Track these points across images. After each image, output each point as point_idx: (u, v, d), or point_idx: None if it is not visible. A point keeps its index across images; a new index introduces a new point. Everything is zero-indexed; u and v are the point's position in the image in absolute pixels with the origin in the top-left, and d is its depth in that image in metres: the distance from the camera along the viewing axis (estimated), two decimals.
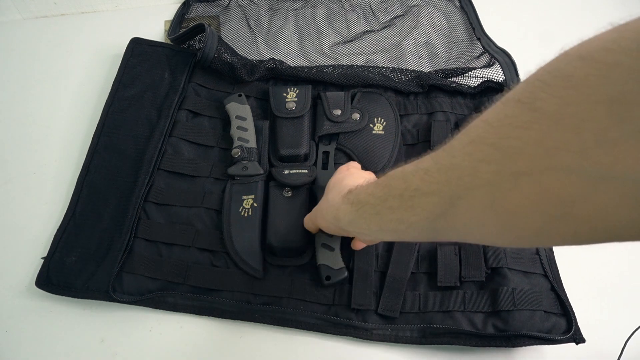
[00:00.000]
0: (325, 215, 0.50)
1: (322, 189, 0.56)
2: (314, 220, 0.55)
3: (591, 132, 0.22)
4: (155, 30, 0.78)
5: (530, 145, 0.26)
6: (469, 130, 0.31)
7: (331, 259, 0.57)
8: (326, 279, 0.56)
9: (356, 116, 0.67)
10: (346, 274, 0.57)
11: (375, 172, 0.63)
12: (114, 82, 0.72)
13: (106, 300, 0.56)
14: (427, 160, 0.35)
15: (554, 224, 0.27)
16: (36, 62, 0.79)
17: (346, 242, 0.59)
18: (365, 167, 0.63)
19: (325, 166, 0.65)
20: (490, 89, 0.72)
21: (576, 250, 0.59)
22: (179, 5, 0.84)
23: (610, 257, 0.61)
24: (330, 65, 0.76)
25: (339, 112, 0.67)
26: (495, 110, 0.29)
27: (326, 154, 0.65)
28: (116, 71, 0.73)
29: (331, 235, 0.57)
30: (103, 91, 0.74)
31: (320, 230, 0.56)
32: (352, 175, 0.53)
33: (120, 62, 0.74)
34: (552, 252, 0.59)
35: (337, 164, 0.64)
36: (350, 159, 0.65)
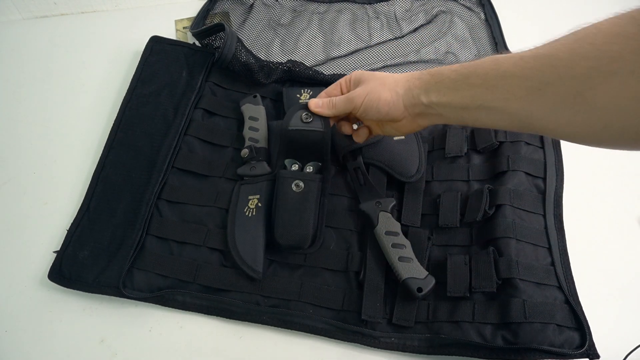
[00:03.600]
0: (388, 87, 0.51)
1: (367, 205, 0.59)
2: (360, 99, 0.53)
3: None
4: (156, 30, 0.78)
5: (628, 52, 0.32)
6: (577, 32, 0.36)
7: (414, 270, 0.55)
8: (418, 291, 0.54)
9: None
10: (434, 280, 0.55)
11: (411, 177, 0.63)
12: (132, 79, 0.73)
13: (116, 296, 0.56)
14: (521, 52, 0.40)
15: (623, 119, 0.34)
16: (36, 62, 0.80)
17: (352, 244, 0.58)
18: (399, 174, 0.63)
19: (361, 181, 0.63)
20: None
21: (587, 257, 0.59)
22: (178, 5, 0.84)
23: (621, 266, 0.60)
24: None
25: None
26: (609, 21, 0.34)
27: (357, 170, 0.64)
28: (116, 70, 0.75)
29: (402, 247, 0.56)
30: (106, 90, 0.75)
31: (391, 246, 0.56)
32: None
33: (119, 62, 0.75)
34: (569, 264, 0.58)
35: (373, 179, 0.63)
36: (382, 171, 0.64)
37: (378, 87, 0.52)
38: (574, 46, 0.36)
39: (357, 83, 0.55)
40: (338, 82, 0.58)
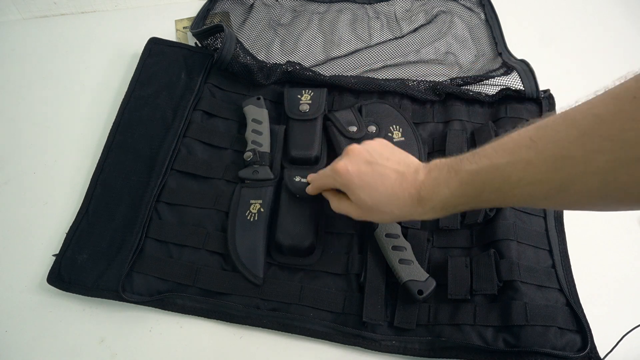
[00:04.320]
0: (387, 218, 0.49)
1: None
2: (359, 214, 0.51)
3: None
4: (156, 30, 0.78)
5: None
6: (575, 122, 0.35)
7: (414, 273, 0.55)
8: (418, 293, 0.54)
9: (372, 128, 0.67)
10: (435, 282, 0.55)
11: None
12: (131, 81, 0.72)
13: (116, 300, 0.56)
14: (522, 151, 0.38)
15: None
16: (36, 62, 0.79)
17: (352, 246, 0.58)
18: None
19: None
20: (509, 97, 0.71)
21: (588, 259, 0.59)
22: (178, 5, 0.84)
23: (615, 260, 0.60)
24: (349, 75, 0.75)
25: (354, 128, 0.66)
26: (607, 105, 0.33)
27: None
28: (116, 71, 0.74)
29: (403, 250, 0.56)
30: (105, 90, 0.75)
31: (392, 248, 0.56)
32: (395, 162, 0.49)
33: (119, 62, 0.75)
34: (570, 266, 0.58)
35: None
36: None
37: (367, 205, 0.49)
38: (585, 142, 0.34)
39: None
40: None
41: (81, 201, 0.63)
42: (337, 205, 0.53)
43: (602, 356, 0.52)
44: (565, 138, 0.35)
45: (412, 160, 0.50)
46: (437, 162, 0.46)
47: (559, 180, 0.36)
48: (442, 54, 0.80)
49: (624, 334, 0.53)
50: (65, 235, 0.60)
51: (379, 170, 0.48)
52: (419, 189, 0.45)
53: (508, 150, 0.39)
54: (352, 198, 0.50)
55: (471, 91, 0.72)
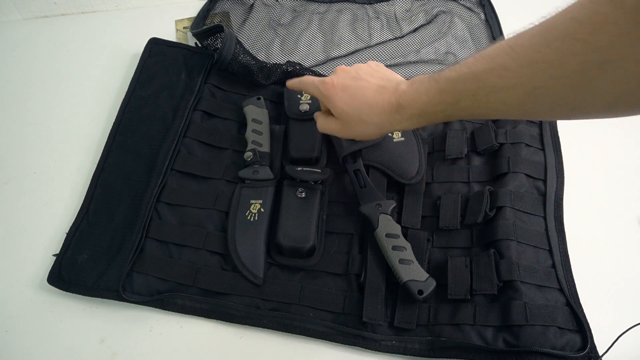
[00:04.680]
0: (368, 129, 0.52)
1: (367, 207, 0.58)
2: (346, 130, 0.54)
3: None
4: (156, 31, 0.78)
5: (618, 37, 0.31)
6: (553, 27, 0.36)
7: (414, 273, 0.55)
8: (418, 293, 0.54)
9: None
10: (435, 282, 0.55)
11: (411, 179, 0.63)
12: (131, 81, 0.72)
13: (116, 300, 0.56)
14: (500, 57, 0.39)
15: (628, 99, 0.34)
16: (36, 62, 0.79)
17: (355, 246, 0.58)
18: (400, 176, 0.63)
19: (361, 183, 0.62)
20: None
21: (588, 259, 0.59)
22: (178, 5, 0.84)
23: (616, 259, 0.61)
24: None
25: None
26: (584, 8, 0.34)
27: (357, 172, 0.63)
28: (116, 71, 0.75)
29: (403, 250, 0.56)
30: (105, 90, 0.75)
31: (392, 248, 0.56)
32: (378, 78, 0.52)
33: (119, 62, 0.75)
34: (570, 266, 0.58)
35: (373, 181, 0.63)
36: (382, 173, 0.64)
37: (352, 124, 0.53)
38: (559, 45, 0.35)
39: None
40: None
41: (81, 201, 0.63)
42: (323, 122, 0.57)
43: (600, 355, 0.52)
44: (541, 42, 0.36)
45: (396, 76, 0.53)
46: (420, 76, 0.48)
47: (532, 85, 0.37)
48: (442, 54, 0.80)
49: (622, 332, 0.53)
50: (65, 235, 0.60)
51: (362, 84, 0.52)
52: (398, 97, 0.48)
53: (487, 57, 0.41)
54: (335, 111, 0.53)
55: None
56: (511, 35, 0.40)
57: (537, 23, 0.38)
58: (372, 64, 0.55)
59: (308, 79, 0.58)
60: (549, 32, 0.36)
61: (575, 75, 0.35)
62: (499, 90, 0.40)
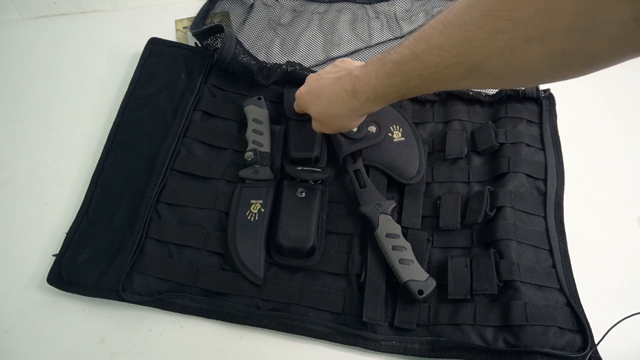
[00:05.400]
0: (340, 121, 0.55)
1: (368, 207, 0.59)
2: (321, 121, 0.58)
3: None
4: (156, 30, 0.78)
5: (538, 13, 0.32)
6: (477, 3, 0.36)
7: (414, 273, 0.55)
8: (418, 293, 0.54)
9: (372, 128, 0.66)
10: (435, 283, 0.55)
11: (411, 179, 0.63)
12: (131, 81, 0.72)
13: (116, 300, 0.56)
14: (435, 37, 0.40)
15: (556, 68, 0.36)
16: (36, 62, 0.79)
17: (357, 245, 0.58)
18: (400, 176, 0.63)
19: (361, 183, 0.62)
20: (509, 97, 0.71)
21: (588, 259, 0.59)
22: (178, 5, 0.84)
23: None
24: None
25: (354, 128, 0.65)
26: None
27: (357, 172, 0.63)
28: (116, 71, 0.74)
29: (403, 250, 0.56)
30: (105, 90, 0.75)
31: (392, 248, 0.56)
32: (337, 71, 0.55)
33: (119, 62, 0.75)
34: (570, 266, 0.58)
35: (374, 181, 0.63)
36: (382, 173, 0.64)
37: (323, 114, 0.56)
38: (484, 23, 0.36)
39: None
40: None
41: (81, 201, 0.63)
42: (313, 125, 0.60)
43: (598, 353, 0.52)
44: (469, 21, 0.37)
45: (355, 64, 0.55)
46: (373, 57, 0.49)
47: (469, 63, 0.39)
48: None
49: (614, 323, 0.53)
50: (65, 235, 0.60)
51: (322, 82, 0.55)
52: (353, 83, 0.50)
53: (425, 37, 0.41)
54: (311, 115, 0.58)
55: (471, 91, 0.72)
56: (445, 10, 0.41)
57: None
58: (338, 61, 0.58)
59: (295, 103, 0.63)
60: (474, 8, 0.36)
61: (505, 53, 0.36)
62: (442, 69, 0.41)
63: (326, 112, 0.55)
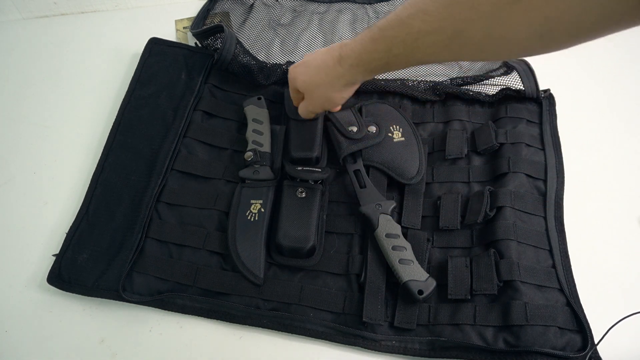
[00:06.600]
0: (325, 91, 0.56)
1: (368, 207, 0.59)
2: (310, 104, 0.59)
3: None
4: (156, 30, 0.78)
5: None
6: None
7: (414, 273, 0.55)
8: (418, 293, 0.54)
9: (372, 129, 0.66)
10: (435, 283, 0.55)
11: (411, 179, 0.63)
12: (131, 81, 0.72)
13: (116, 300, 0.56)
14: (421, 1, 0.40)
15: (538, 37, 0.36)
16: (36, 62, 0.80)
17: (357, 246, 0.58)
18: (400, 176, 0.63)
19: (361, 183, 0.62)
20: (509, 97, 0.71)
21: (588, 259, 0.59)
22: (178, 5, 0.84)
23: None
24: None
25: (354, 128, 0.65)
26: None
27: (357, 172, 0.64)
28: (116, 71, 0.75)
29: (403, 250, 0.56)
30: (105, 90, 0.75)
31: (392, 248, 0.56)
32: (330, 47, 0.55)
33: (119, 62, 0.75)
34: (570, 266, 0.58)
35: (374, 181, 0.63)
36: (382, 173, 0.64)
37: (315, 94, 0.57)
38: None
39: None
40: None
41: (81, 201, 0.63)
42: (300, 107, 0.61)
43: (597, 352, 0.52)
44: None
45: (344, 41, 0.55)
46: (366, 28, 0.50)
47: (452, 28, 0.39)
48: None
49: (615, 322, 0.53)
50: (65, 235, 0.60)
51: (315, 55, 0.56)
52: (340, 50, 0.51)
53: (412, 3, 0.42)
54: (299, 86, 0.58)
55: (471, 91, 0.72)
56: None
57: None
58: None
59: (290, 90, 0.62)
60: None
61: (488, 18, 0.36)
62: (424, 35, 0.41)
63: (312, 80, 0.55)
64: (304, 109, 0.61)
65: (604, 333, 0.52)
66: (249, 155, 0.64)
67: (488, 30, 0.37)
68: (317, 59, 0.54)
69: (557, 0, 0.32)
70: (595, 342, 0.52)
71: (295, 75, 0.58)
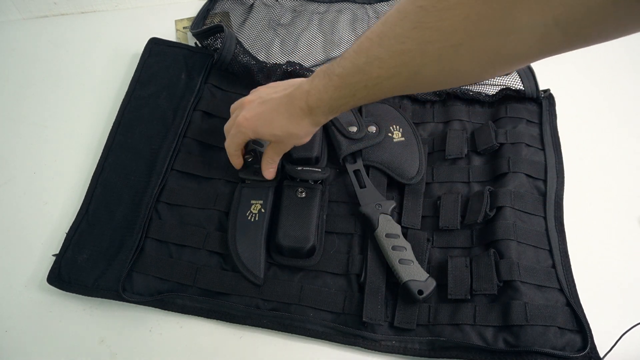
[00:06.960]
0: (301, 137, 0.55)
1: (367, 207, 0.59)
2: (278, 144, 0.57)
3: (499, 3, 0.33)
4: (156, 30, 0.78)
5: (461, 22, 0.35)
6: (406, 15, 0.38)
7: (415, 273, 0.55)
8: (418, 293, 0.54)
9: (372, 129, 0.66)
10: (435, 283, 0.55)
11: (411, 179, 0.63)
12: (131, 81, 0.72)
13: (116, 300, 0.56)
14: (374, 49, 0.42)
15: (485, 69, 0.39)
16: (36, 62, 0.79)
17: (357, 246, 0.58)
18: (400, 176, 0.63)
19: (361, 183, 0.63)
20: (509, 97, 0.71)
21: (588, 259, 0.59)
22: (178, 5, 0.84)
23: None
24: None
25: (354, 128, 0.65)
26: None
27: (357, 172, 0.64)
28: (116, 71, 0.74)
29: (403, 250, 0.56)
30: (105, 90, 0.75)
31: (392, 248, 0.56)
32: (282, 89, 0.54)
33: (119, 62, 0.75)
34: (570, 266, 0.58)
35: (374, 181, 0.63)
36: (382, 173, 0.64)
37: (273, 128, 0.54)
38: (415, 35, 0.38)
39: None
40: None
41: (81, 201, 0.63)
42: (267, 154, 0.59)
43: (601, 356, 0.52)
44: (402, 33, 0.39)
45: (297, 80, 0.55)
46: (318, 70, 0.50)
47: (407, 73, 0.41)
48: None
49: (623, 332, 0.53)
50: (65, 235, 0.60)
51: (272, 104, 0.53)
52: (305, 100, 0.50)
53: (364, 50, 0.43)
54: (266, 138, 0.56)
55: (471, 91, 0.72)
56: (379, 22, 0.42)
57: (394, 7, 0.41)
58: (269, 84, 0.59)
59: (230, 135, 0.58)
60: (404, 20, 0.38)
61: (438, 61, 0.38)
62: (384, 80, 0.43)
63: (285, 132, 0.53)
64: (272, 151, 0.58)
65: (611, 346, 0.52)
66: (248, 155, 0.64)
67: (439, 69, 0.40)
68: (281, 111, 0.52)
69: (494, 39, 0.35)
70: (600, 355, 0.52)
71: (257, 130, 0.54)
